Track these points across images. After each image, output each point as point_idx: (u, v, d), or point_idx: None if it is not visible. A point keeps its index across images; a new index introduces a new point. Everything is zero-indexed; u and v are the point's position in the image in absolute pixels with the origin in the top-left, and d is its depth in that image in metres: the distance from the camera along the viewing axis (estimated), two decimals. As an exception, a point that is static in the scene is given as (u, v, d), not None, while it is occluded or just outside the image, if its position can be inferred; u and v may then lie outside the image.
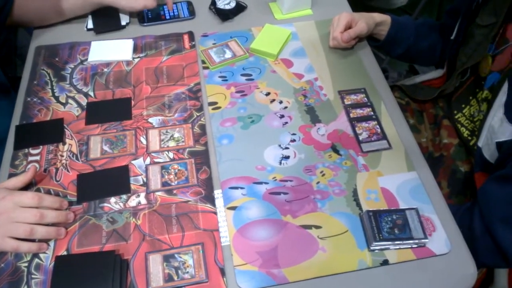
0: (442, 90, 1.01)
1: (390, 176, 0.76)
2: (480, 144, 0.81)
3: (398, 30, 1.00)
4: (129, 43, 0.96)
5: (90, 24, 1.01)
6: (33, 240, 0.67)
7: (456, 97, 0.98)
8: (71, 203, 0.72)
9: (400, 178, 0.76)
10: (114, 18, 1.02)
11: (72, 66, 0.93)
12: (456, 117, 0.95)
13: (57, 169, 0.77)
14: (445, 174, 0.93)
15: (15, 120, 0.84)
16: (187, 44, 0.98)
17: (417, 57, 1.10)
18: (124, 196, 0.74)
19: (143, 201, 0.73)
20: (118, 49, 0.95)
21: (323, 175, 0.76)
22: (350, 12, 1.04)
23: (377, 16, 0.98)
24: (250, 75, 0.92)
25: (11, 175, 0.76)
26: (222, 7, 1.04)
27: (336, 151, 0.79)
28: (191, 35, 1.00)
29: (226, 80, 0.91)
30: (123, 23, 1.02)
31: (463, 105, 0.95)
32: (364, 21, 0.94)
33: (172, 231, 0.69)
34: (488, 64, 0.87)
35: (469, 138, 0.92)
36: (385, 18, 0.99)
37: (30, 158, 0.78)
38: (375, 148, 0.79)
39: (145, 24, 1.02)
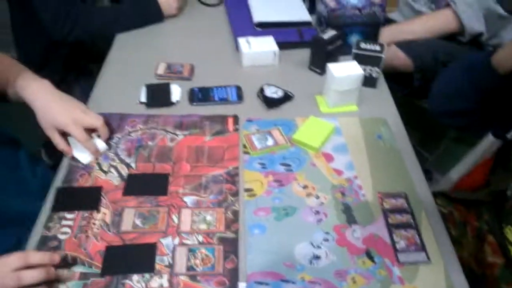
0: (491, 192, 0.95)
1: (427, 294, 0.71)
2: None
3: None
4: None
5: (143, 98, 1.06)
6: None
7: (507, 208, 0.92)
8: (93, 275, 0.71)
9: (437, 297, 0.71)
10: (166, 94, 1.07)
11: (120, 136, 0.97)
12: (504, 231, 0.89)
13: (87, 237, 0.77)
14: (487, 296, 0.86)
15: (57, 182, 0.87)
16: (231, 127, 1.00)
17: None
18: (147, 275, 0.72)
19: (165, 283, 0.71)
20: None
21: (354, 282, 0.72)
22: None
23: None
24: (290, 165, 0.91)
25: (43, 237, 0.77)
26: (269, 95, 1.08)
27: (370, 257, 0.75)
28: (236, 118, 1.03)
29: (265, 167, 0.91)
30: (173, 100, 1.07)
31: None
32: None
33: (190, 321, 0.66)
34: None
35: (517, 259, 0.85)
36: None
37: (63, 222, 0.79)
38: (413, 260, 0.75)
39: (194, 103, 1.06)
